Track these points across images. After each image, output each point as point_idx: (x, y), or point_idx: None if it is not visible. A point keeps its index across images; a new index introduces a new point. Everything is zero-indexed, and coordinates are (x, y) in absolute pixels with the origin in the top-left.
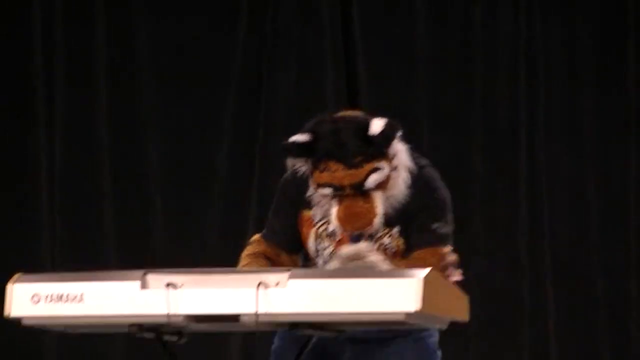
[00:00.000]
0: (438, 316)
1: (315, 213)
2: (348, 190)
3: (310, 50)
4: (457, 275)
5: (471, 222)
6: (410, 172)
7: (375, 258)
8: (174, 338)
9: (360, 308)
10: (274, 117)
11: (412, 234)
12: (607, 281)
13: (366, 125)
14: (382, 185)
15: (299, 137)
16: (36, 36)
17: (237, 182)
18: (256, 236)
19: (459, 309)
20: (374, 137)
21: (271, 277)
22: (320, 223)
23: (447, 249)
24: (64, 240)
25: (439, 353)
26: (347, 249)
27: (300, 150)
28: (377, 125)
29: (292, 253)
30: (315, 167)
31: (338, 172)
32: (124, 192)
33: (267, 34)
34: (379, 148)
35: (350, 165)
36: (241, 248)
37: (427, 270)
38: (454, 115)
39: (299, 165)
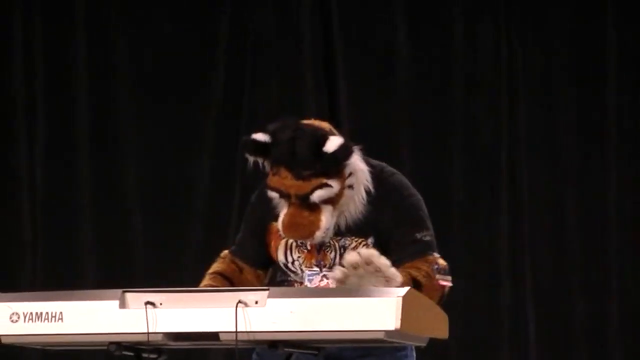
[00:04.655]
0: (417, 334)
1: None
2: (294, 199)
3: (291, 66)
4: (447, 281)
5: (451, 242)
6: (377, 178)
7: (384, 261)
8: (154, 356)
9: (339, 327)
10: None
11: (397, 247)
12: (588, 302)
13: (323, 141)
14: (331, 202)
15: (259, 136)
16: (17, 59)
17: (218, 199)
18: (225, 251)
19: (439, 326)
20: (325, 154)
21: (250, 296)
22: None
23: (435, 255)
24: (44, 259)
25: None
26: (352, 256)
27: (257, 149)
28: (332, 143)
29: (258, 268)
30: (270, 168)
31: (287, 180)
32: (104, 210)
33: (248, 51)
34: (327, 166)
35: (298, 176)
36: None
37: (406, 289)
38: (434, 134)
39: (258, 160)
